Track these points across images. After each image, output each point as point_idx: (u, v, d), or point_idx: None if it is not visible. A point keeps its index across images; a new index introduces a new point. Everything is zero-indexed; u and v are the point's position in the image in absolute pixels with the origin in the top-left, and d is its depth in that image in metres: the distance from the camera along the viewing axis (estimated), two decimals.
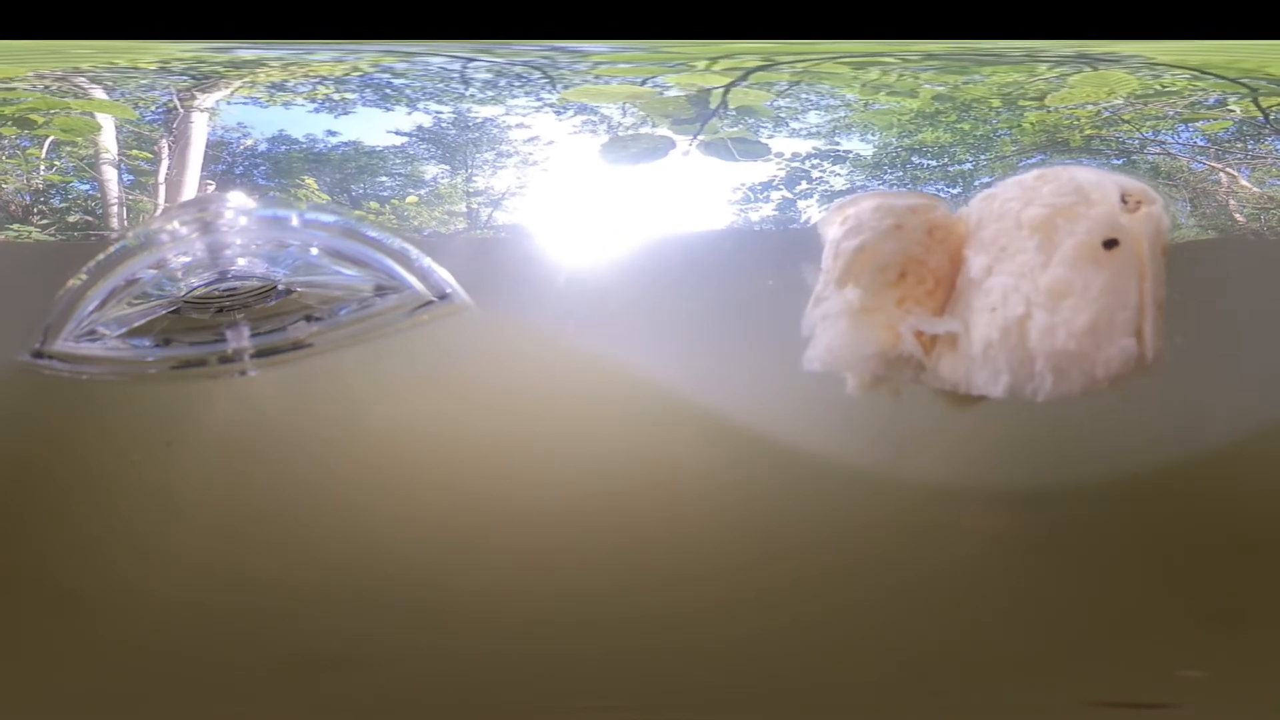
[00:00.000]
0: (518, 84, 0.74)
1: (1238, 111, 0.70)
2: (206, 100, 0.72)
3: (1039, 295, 0.47)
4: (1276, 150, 0.69)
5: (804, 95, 0.72)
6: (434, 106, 0.72)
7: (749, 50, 0.78)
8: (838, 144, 0.69)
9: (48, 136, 0.69)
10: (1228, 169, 0.68)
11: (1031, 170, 0.50)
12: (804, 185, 0.67)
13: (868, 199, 0.50)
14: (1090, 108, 0.70)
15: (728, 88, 0.71)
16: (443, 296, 0.65)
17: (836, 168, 0.68)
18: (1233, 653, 0.64)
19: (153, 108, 0.71)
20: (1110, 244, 0.47)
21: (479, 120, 0.71)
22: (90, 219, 0.67)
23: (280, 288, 0.65)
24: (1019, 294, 0.47)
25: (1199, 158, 0.68)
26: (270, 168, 0.69)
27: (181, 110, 0.71)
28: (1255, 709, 0.63)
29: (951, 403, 0.51)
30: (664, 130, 0.69)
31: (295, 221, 0.66)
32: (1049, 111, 0.70)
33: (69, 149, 0.69)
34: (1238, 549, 0.64)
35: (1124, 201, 0.49)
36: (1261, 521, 0.64)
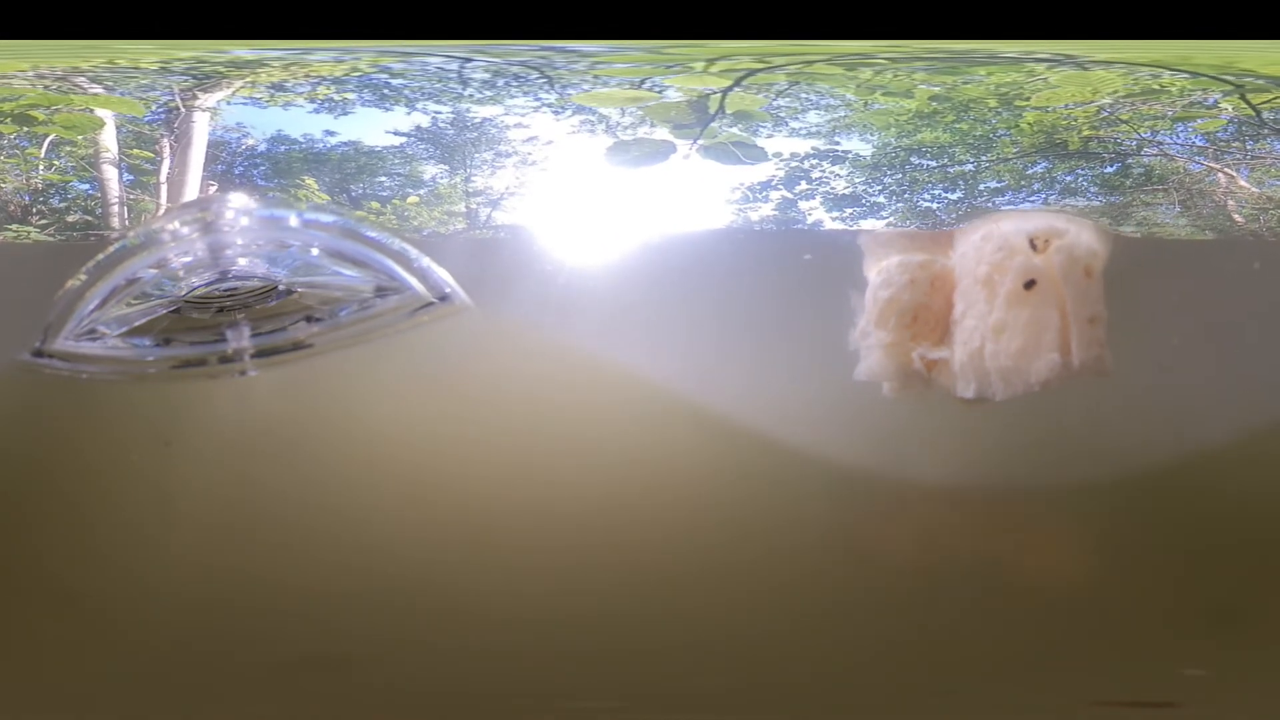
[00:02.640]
0: (515, 84, 0.74)
1: (1229, 109, 0.71)
2: (208, 100, 0.71)
3: (989, 332, 0.63)
4: (1275, 150, 0.69)
5: (803, 95, 0.72)
6: (433, 106, 0.72)
7: (741, 51, 0.78)
8: (837, 144, 0.69)
9: (49, 134, 0.69)
10: (1226, 169, 0.68)
11: (979, 230, 0.65)
12: (804, 185, 0.67)
13: (896, 252, 0.66)
14: (1083, 107, 0.70)
15: (724, 92, 0.71)
16: (443, 297, 0.65)
17: (836, 168, 0.68)
18: (1233, 652, 0.64)
19: (153, 107, 0.71)
20: (1029, 284, 0.63)
21: (478, 120, 0.71)
22: (90, 219, 0.67)
23: (281, 288, 0.65)
24: (978, 332, 0.63)
25: (1196, 158, 0.68)
26: (270, 168, 0.69)
27: (184, 110, 0.71)
28: (1256, 708, 0.64)
29: (961, 405, 0.65)
30: (664, 134, 0.69)
31: (295, 222, 0.66)
32: (1046, 112, 0.70)
33: (69, 148, 0.69)
34: (1238, 549, 0.64)
35: (1033, 245, 0.63)
36: (1261, 521, 0.64)
